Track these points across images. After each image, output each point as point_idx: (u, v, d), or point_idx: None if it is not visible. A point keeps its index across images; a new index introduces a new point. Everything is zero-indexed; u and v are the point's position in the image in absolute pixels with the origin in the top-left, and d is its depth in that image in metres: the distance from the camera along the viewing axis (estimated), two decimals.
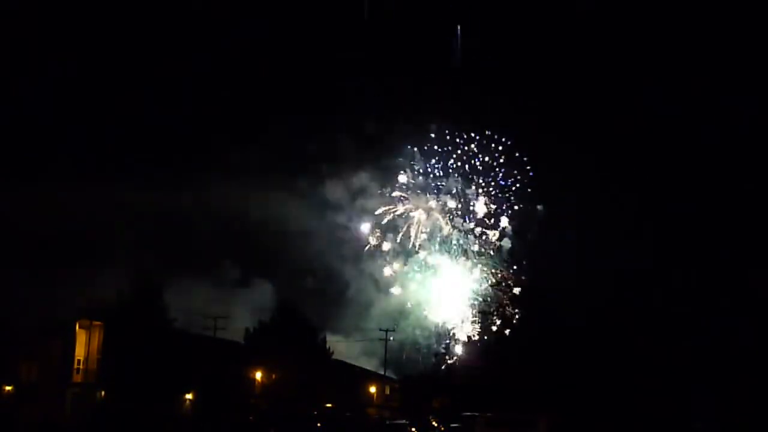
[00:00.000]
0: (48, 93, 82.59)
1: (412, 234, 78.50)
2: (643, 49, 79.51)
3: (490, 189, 77.99)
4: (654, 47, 78.94)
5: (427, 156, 78.90)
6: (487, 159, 78.03)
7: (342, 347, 72.73)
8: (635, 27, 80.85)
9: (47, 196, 71.60)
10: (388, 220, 78.58)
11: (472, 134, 78.21)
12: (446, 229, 78.14)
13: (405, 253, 78.67)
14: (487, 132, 78.25)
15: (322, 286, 79.25)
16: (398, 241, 78.72)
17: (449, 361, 76.81)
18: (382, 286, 79.43)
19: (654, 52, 78.62)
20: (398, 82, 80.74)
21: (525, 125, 77.04)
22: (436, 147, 78.81)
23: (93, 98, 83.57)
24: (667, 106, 77.28)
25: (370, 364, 79.39)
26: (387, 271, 78.29)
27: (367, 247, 78.55)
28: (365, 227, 78.88)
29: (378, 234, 78.58)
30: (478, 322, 76.85)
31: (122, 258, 67.42)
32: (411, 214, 78.47)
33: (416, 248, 78.56)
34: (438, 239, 78.18)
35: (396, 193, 78.69)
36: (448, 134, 78.55)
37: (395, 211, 78.05)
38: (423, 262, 78.70)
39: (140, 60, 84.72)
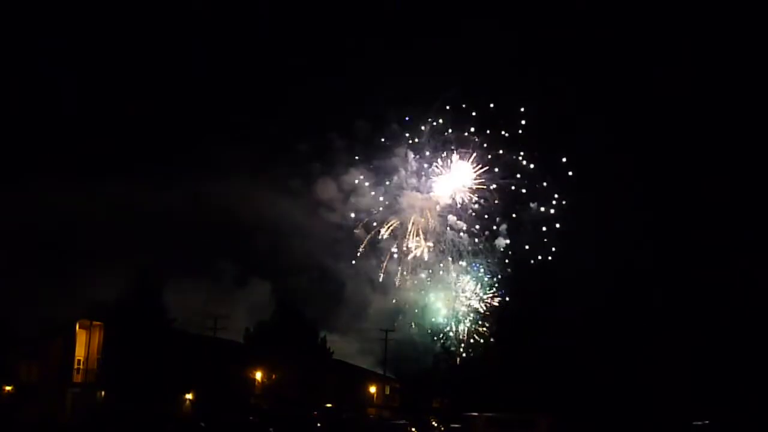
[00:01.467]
0: (46, 93, 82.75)
1: (407, 234, 78.35)
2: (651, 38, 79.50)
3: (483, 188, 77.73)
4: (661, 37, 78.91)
5: (420, 155, 78.72)
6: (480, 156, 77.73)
7: (337, 345, 72.73)
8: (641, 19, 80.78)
9: (46, 196, 71.61)
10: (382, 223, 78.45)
11: (465, 132, 77.88)
12: (440, 228, 78.01)
13: (399, 253, 78.53)
14: (479, 130, 77.97)
15: (317, 284, 79.22)
16: (394, 242, 78.59)
17: (449, 361, 76.67)
18: (377, 286, 79.39)
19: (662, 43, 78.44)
20: (394, 81, 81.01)
21: (521, 122, 76.87)
22: (429, 145, 78.55)
23: (90, 99, 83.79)
24: (671, 104, 77.38)
25: (365, 362, 79.43)
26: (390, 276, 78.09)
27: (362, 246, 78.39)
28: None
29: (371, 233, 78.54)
30: (477, 322, 76.80)
31: (121, 258, 67.41)
32: (405, 215, 78.32)
33: (411, 248, 78.44)
34: (433, 239, 78.05)
35: (382, 198, 78.55)
36: (439, 132, 78.31)
37: (393, 224, 77.75)
38: (418, 262, 78.60)
39: (136, 60, 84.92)
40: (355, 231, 78.42)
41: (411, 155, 78.33)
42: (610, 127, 79.56)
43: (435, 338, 76.47)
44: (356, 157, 78.49)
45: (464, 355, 75.72)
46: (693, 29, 76.97)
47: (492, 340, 74.05)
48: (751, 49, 73.66)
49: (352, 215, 79.19)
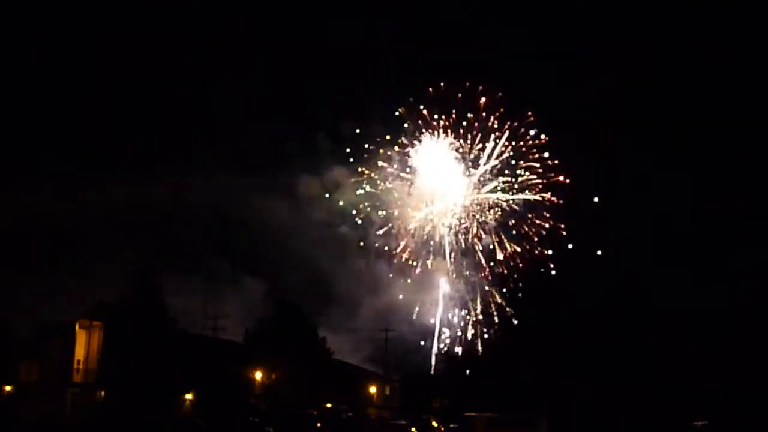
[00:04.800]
0: (49, 96, 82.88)
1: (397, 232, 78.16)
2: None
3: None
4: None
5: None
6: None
7: (330, 343, 72.88)
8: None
9: (44, 198, 71.79)
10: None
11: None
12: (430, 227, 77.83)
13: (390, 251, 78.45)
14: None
15: (308, 283, 79.28)
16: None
17: (447, 361, 76.60)
18: (369, 284, 79.34)
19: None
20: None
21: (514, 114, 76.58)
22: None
23: (85, 100, 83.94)
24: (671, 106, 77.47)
25: (356, 360, 79.54)
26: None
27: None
28: None
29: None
30: (476, 322, 76.71)
31: (119, 259, 67.57)
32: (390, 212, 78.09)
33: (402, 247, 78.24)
34: (424, 238, 77.86)
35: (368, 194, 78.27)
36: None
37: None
38: (409, 260, 78.40)
39: (125, 60, 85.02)
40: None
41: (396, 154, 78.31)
42: (611, 121, 79.46)
43: (425, 338, 76.44)
44: (342, 156, 78.62)
45: (465, 354, 75.69)
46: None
47: (489, 339, 74.03)
48: None
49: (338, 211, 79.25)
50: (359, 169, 77.98)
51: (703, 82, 76.02)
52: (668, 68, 78.68)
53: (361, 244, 78.55)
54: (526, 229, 74.95)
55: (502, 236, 76.11)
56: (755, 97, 71.96)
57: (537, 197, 75.08)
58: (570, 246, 71.73)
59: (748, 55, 74.99)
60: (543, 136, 74.80)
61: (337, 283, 79.83)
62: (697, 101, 76.16)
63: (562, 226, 74.53)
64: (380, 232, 77.87)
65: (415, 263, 77.87)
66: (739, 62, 75.12)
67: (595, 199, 70.87)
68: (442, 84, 76.21)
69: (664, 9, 79.54)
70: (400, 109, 76.21)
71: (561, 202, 74.73)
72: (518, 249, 74.90)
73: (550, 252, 73.97)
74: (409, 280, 78.04)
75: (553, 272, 71.69)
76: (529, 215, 75.24)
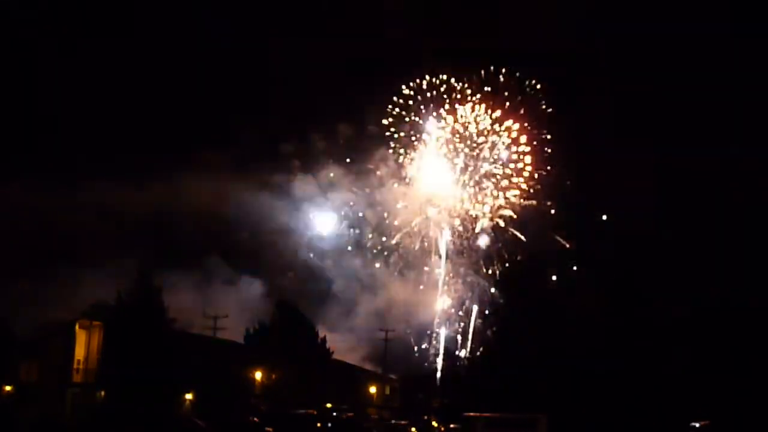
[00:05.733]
0: (48, 95, 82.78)
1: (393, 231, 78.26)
2: None
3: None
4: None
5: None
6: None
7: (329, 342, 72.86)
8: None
9: (43, 198, 71.74)
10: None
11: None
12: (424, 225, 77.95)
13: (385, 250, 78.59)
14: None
15: (305, 282, 79.41)
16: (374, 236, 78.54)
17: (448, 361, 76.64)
18: (366, 284, 79.47)
19: None
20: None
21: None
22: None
23: (86, 100, 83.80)
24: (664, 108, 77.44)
25: (355, 358, 79.63)
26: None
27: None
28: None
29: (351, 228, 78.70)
30: (475, 321, 76.78)
31: (117, 259, 67.51)
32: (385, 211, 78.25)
33: (397, 245, 78.35)
34: (422, 238, 77.97)
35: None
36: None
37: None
38: (405, 260, 78.54)
39: (120, 60, 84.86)
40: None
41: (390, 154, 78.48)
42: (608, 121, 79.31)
43: (422, 338, 76.55)
44: (340, 156, 78.90)
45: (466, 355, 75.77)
46: None
47: (488, 339, 74.04)
48: None
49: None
50: (357, 170, 78.56)
51: (704, 82, 76.02)
52: (668, 67, 78.60)
53: (358, 244, 78.95)
54: (526, 232, 75.28)
55: (500, 238, 76.48)
56: (755, 96, 71.98)
57: (535, 201, 75.45)
58: (575, 267, 72.34)
59: (749, 56, 75.08)
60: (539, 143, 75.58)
61: (336, 282, 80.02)
62: (697, 101, 76.13)
63: (564, 234, 75.15)
64: (377, 232, 78.33)
65: (413, 263, 78.25)
66: (740, 62, 75.22)
67: (604, 217, 71.38)
68: (439, 84, 77.19)
69: (664, 10, 79.50)
70: (393, 112, 77.07)
71: (558, 207, 75.39)
72: (518, 252, 75.32)
73: (549, 250, 74.57)
74: (407, 280, 78.55)
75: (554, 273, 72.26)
76: (528, 217, 75.63)
